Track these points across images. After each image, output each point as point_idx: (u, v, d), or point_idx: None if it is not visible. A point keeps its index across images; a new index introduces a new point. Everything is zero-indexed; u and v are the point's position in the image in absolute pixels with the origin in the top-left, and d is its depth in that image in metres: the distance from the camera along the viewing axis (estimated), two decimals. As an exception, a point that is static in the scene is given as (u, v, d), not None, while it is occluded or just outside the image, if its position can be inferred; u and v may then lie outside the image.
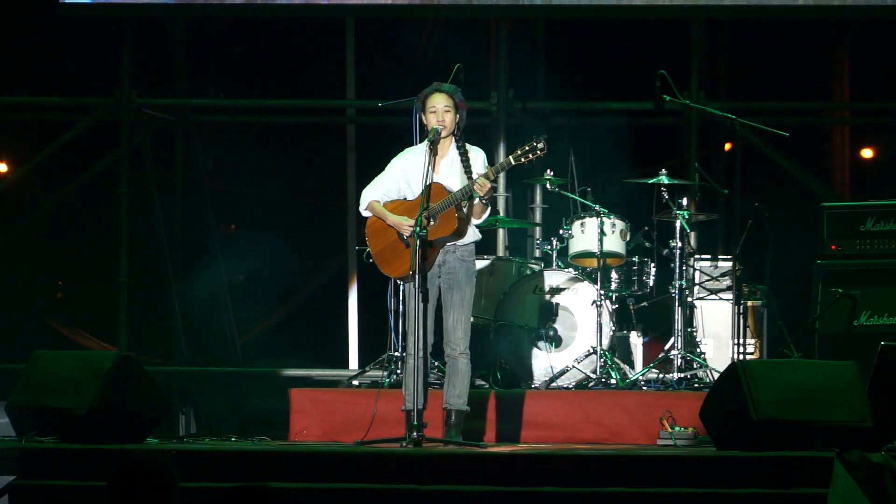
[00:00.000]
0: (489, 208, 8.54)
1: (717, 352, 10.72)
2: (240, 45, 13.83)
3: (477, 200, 8.43)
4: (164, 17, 13.20)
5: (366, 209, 8.71)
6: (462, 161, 8.52)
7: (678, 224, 10.63)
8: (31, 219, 13.47)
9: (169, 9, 12.98)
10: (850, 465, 7.25)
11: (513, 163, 8.48)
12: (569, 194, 11.04)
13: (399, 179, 8.67)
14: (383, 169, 8.78)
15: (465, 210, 8.49)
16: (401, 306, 9.76)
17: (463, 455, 7.89)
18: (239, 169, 14.49)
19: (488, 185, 8.34)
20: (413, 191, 8.61)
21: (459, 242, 8.56)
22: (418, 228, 8.30)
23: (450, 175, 8.55)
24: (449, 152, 8.60)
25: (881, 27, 13.02)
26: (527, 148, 8.45)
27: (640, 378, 10.37)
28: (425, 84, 8.71)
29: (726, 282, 10.82)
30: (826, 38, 13.77)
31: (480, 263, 10.88)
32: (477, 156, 8.59)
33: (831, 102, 13.96)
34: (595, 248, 10.54)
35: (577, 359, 10.42)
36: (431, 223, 8.41)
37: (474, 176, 8.45)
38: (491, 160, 8.74)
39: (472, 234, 8.61)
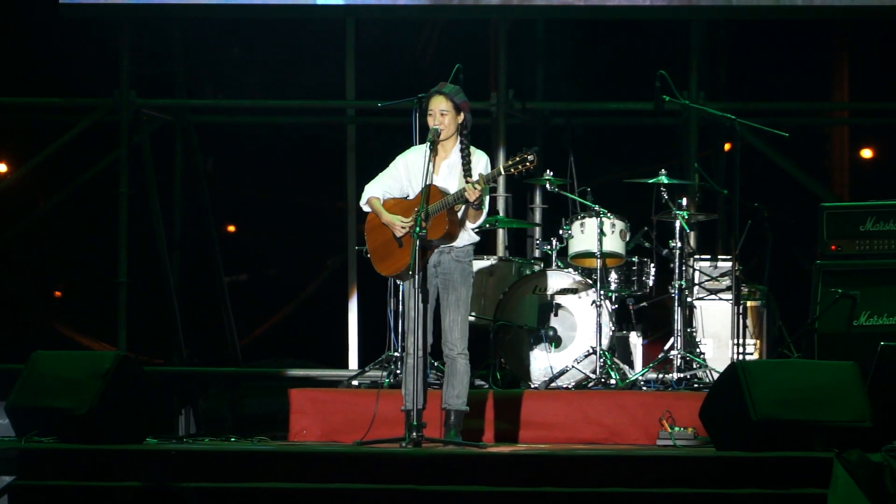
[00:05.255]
0: (484, 213, 8.53)
1: (717, 352, 10.73)
2: (239, 46, 13.83)
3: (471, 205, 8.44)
4: (163, 18, 13.20)
5: (365, 204, 8.73)
6: (463, 164, 8.52)
7: (678, 224, 10.63)
8: (31, 219, 13.47)
9: (168, 9, 12.97)
10: (849, 466, 7.26)
11: (502, 172, 8.52)
12: (568, 194, 11.04)
13: (402, 177, 8.68)
14: (384, 168, 8.79)
15: (458, 214, 8.49)
16: (400, 306, 9.76)
17: (462, 455, 7.90)
18: (238, 169, 14.50)
19: (476, 193, 8.33)
20: (414, 189, 8.62)
21: (454, 244, 8.56)
22: (418, 229, 8.31)
23: (450, 177, 8.55)
24: (451, 154, 8.61)
25: (881, 27, 13.03)
26: (517, 159, 8.45)
27: (640, 378, 10.37)
28: (425, 84, 8.72)
29: (726, 282, 10.82)
30: (826, 38, 13.78)
31: (480, 264, 10.90)
32: (479, 160, 8.59)
33: (831, 103, 13.97)
34: (595, 249, 10.54)
35: (576, 359, 10.42)
36: (424, 225, 8.41)
37: (473, 179, 8.45)
38: (490, 161, 8.74)
39: (467, 237, 8.61)
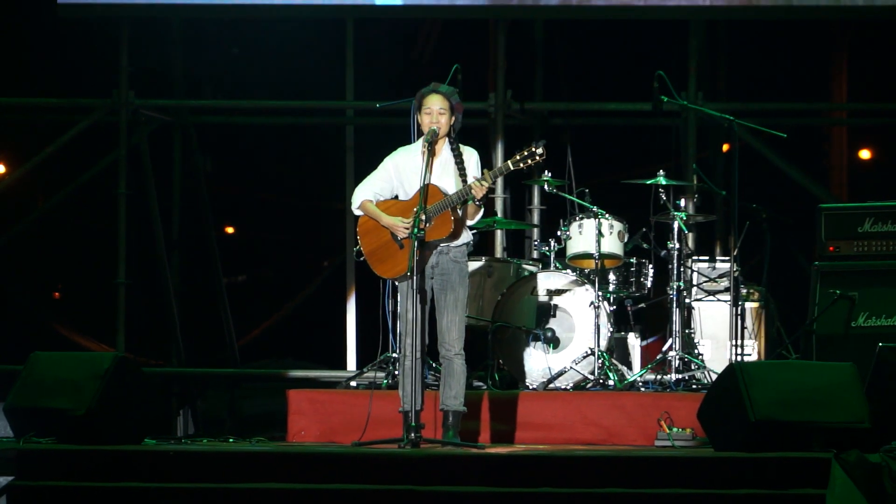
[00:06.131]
0: (482, 210, 8.54)
1: (715, 353, 10.72)
2: (238, 46, 13.83)
3: (471, 202, 8.43)
4: (162, 18, 13.20)
5: (358, 208, 8.70)
6: (456, 162, 8.53)
7: (676, 225, 10.63)
8: (30, 220, 13.47)
9: (167, 9, 12.98)
10: (847, 466, 7.26)
11: (511, 167, 8.48)
12: (567, 195, 11.04)
13: (392, 178, 8.66)
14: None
15: (460, 212, 8.49)
16: (398, 307, 9.77)
17: (461, 456, 7.90)
18: (238, 169, 14.51)
19: (484, 189, 8.35)
20: (406, 190, 8.61)
21: (452, 244, 8.57)
22: (416, 230, 8.30)
23: (444, 176, 8.55)
24: (443, 153, 8.60)
25: (880, 28, 13.04)
26: (525, 153, 8.44)
27: (638, 379, 10.37)
28: (424, 85, 8.71)
29: (724, 283, 10.82)
30: (825, 39, 13.79)
31: (477, 264, 10.90)
32: (471, 156, 8.60)
33: (829, 103, 13.98)
34: (593, 250, 10.53)
35: (574, 360, 10.42)
36: (427, 225, 8.41)
37: (468, 177, 8.45)
38: (488, 161, 8.76)
39: (466, 236, 8.62)
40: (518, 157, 8.46)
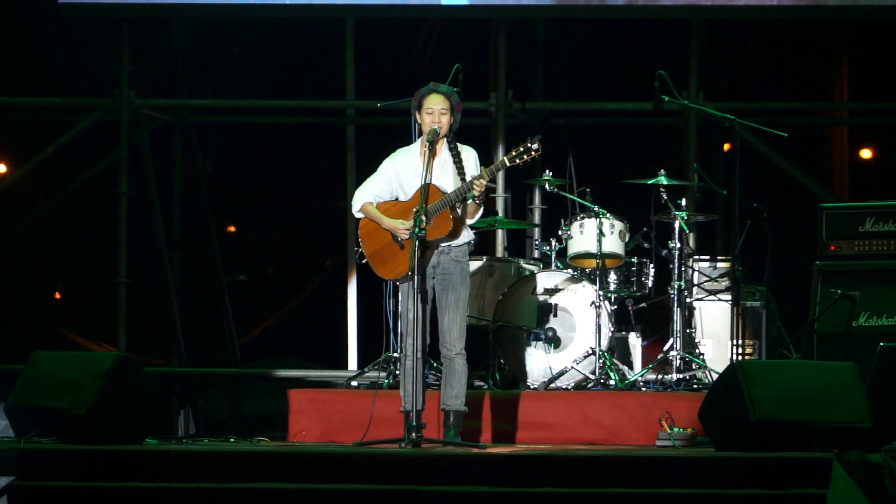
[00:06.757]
0: (482, 208, 8.56)
1: (716, 353, 10.73)
2: (239, 45, 13.83)
3: (470, 200, 8.44)
4: (163, 17, 13.20)
5: (359, 211, 8.71)
6: (454, 161, 8.54)
7: (677, 225, 10.64)
8: (31, 219, 13.47)
9: (167, 8, 12.98)
10: (848, 466, 7.26)
11: (507, 164, 8.49)
12: (568, 195, 11.04)
13: (391, 180, 8.67)
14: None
15: (459, 211, 8.50)
16: (399, 307, 9.77)
17: (462, 456, 7.90)
18: (238, 169, 14.50)
19: (483, 186, 8.36)
20: (405, 191, 8.62)
21: (453, 243, 8.57)
22: (417, 230, 8.30)
23: (442, 175, 8.56)
24: (442, 152, 8.62)
25: (881, 27, 13.03)
26: (521, 149, 8.46)
27: (639, 379, 10.37)
28: (424, 84, 8.71)
29: (725, 282, 10.82)
30: (825, 39, 13.78)
31: (478, 264, 10.90)
32: (469, 155, 8.61)
33: (830, 103, 13.97)
34: (594, 249, 10.54)
35: (575, 360, 10.42)
36: (427, 224, 8.41)
37: (467, 176, 8.46)
38: (490, 161, 8.77)
39: (466, 235, 8.62)
40: (514, 153, 8.48)
